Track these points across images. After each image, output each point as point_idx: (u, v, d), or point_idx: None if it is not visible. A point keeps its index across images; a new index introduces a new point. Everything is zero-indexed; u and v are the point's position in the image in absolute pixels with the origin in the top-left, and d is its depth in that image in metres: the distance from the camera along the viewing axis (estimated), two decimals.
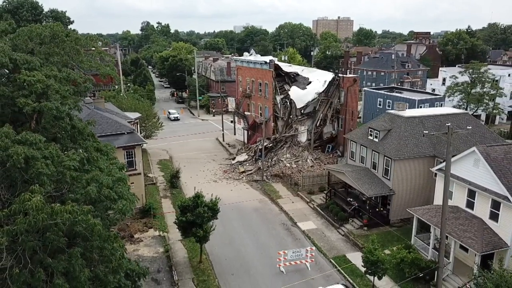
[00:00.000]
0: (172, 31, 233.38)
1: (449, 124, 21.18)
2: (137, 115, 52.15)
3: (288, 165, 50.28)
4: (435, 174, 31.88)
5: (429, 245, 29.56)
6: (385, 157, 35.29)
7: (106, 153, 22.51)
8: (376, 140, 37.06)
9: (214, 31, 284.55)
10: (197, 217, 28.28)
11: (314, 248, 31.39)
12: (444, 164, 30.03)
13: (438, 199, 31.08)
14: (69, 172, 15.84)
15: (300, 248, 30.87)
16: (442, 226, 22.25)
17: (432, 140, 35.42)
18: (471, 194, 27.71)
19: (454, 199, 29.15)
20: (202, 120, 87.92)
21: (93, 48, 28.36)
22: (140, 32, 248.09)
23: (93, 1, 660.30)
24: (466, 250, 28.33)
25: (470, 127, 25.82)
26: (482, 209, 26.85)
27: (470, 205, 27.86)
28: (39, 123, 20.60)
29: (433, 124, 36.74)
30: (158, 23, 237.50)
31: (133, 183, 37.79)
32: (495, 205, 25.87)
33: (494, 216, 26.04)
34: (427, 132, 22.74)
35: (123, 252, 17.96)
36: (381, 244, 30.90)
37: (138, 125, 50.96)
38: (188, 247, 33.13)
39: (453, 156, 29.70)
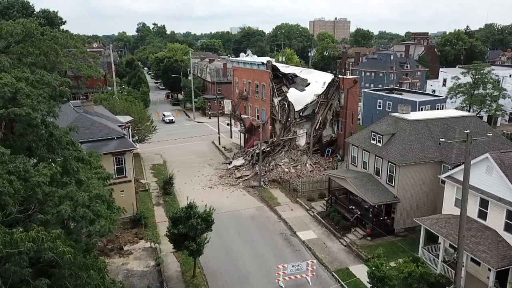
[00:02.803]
0: (168, 32, 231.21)
1: (468, 131, 19.32)
2: (128, 118, 50.04)
3: (287, 170, 48.37)
4: (442, 181, 30.13)
5: (437, 258, 27.75)
6: (389, 163, 33.45)
7: (88, 162, 20.49)
8: (379, 144, 35.23)
9: (210, 32, 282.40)
10: (189, 230, 26.29)
11: (315, 261, 29.43)
12: (453, 171, 28.31)
13: (446, 208, 29.30)
14: (40, 188, 13.85)
15: (301, 261, 28.95)
16: (459, 244, 20.35)
17: (438, 145, 33.63)
18: (484, 203, 25.89)
19: None
20: (198, 122, 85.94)
21: (75, 49, 26.29)
22: (136, 34, 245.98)
23: (88, 3, 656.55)
24: (477, 263, 26.49)
25: (491, 134, 23.91)
26: (496, 220, 25.02)
27: (483, 215, 26.03)
28: (13, 131, 18.57)
29: (440, 127, 34.97)
30: (154, 24, 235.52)
31: (123, 191, 35.88)
32: (511, 216, 24.05)
33: (509, 228, 24.22)
34: (443, 140, 20.88)
35: (104, 275, 15.99)
36: (386, 255, 29.09)
37: (130, 129, 48.85)
38: (181, 259, 31.14)
39: (463, 163, 27.92)
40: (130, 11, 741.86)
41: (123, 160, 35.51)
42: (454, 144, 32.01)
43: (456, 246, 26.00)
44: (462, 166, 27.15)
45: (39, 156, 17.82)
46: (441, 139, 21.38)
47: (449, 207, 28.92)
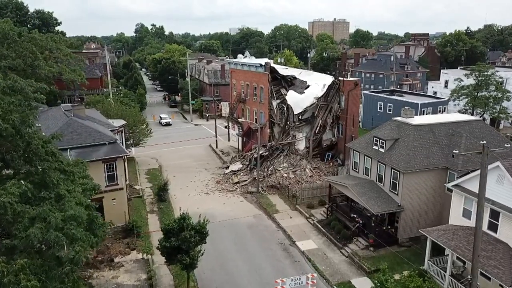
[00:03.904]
0: (166, 33, 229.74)
1: (484, 142, 17.84)
2: (122, 122, 48.44)
3: (286, 175, 46.87)
4: (448, 189, 28.66)
5: (444, 271, 26.27)
6: (393, 170, 31.98)
7: (71, 174, 18.96)
8: (382, 150, 33.76)
9: (209, 33, 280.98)
10: (182, 242, 24.78)
11: (315, 274, 27.90)
12: (461, 180, 26.89)
13: (453, 219, 27.82)
14: (9, 208, 12.34)
15: (300, 274, 27.43)
16: (473, 266, 18.81)
17: (444, 151, 32.21)
18: (494, 215, 24.42)
19: (473, 219, 25.79)
20: (195, 125, 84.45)
21: (57, 51, 24.73)
22: (134, 35, 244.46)
23: (87, 4, 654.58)
24: (487, 277, 25.01)
25: (509, 145, 22.45)
26: (508, 232, 23.56)
27: (493, 227, 24.57)
28: None
29: (445, 132, 33.53)
30: (153, 25, 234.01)
31: (114, 199, 34.42)
32: None
33: None
34: (457, 151, 19.43)
35: None
36: (390, 267, 27.61)
37: (123, 134, 47.25)
38: (174, 272, 29.56)
39: (472, 171, 26.52)
40: (128, 11, 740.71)
41: (114, 167, 33.98)
42: (461, 150, 30.53)
43: (464, 259, 24.59)
44: (470, 175, 25.83)
45: (14, 169, 16.32)
46: (454, 151, 19.90)
47: (456, 218, 27.45)
